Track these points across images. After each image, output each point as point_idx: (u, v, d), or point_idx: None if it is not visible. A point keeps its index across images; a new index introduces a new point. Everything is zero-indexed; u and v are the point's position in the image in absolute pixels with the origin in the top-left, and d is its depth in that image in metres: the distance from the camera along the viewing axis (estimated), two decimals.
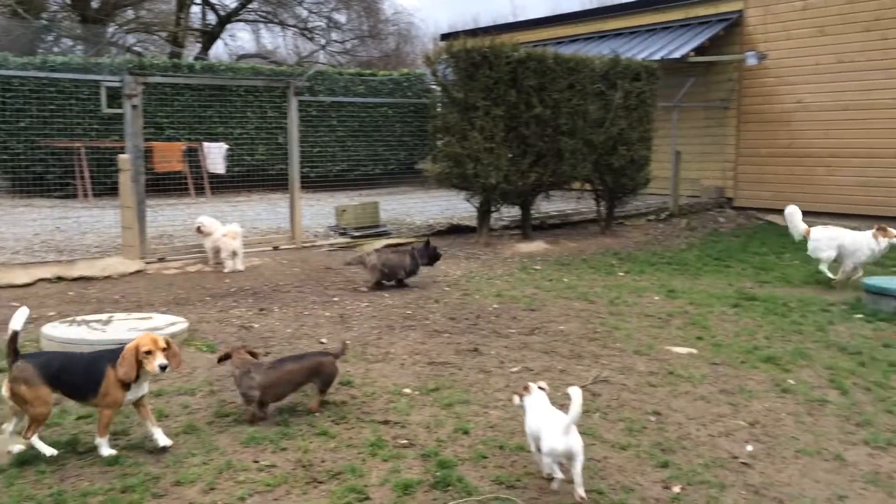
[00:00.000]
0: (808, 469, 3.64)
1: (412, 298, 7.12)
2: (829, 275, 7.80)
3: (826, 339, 5.80)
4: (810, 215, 12.22)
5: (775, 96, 12.62)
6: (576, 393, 3.17)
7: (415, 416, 4.22)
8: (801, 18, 12.12)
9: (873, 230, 7.55)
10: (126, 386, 3.58)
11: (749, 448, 3.86)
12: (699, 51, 12.62)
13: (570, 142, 10.13)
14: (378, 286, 7.40)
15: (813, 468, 3.65)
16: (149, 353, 3.57)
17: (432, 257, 7.64)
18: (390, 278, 7.48)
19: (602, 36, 15.01)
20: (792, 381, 4.85)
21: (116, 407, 3.64)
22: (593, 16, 15.82)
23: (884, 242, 7.47)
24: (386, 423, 4.13)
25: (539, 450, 3.34)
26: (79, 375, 3.62)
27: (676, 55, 12.41)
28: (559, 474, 3.26)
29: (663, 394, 4.64)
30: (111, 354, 3.64)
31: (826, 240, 7.84)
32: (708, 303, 7.00)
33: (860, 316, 6.51)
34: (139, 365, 3.57)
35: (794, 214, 8.26)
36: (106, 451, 3.61)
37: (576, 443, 3.20)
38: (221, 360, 4.30)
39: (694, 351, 5.49)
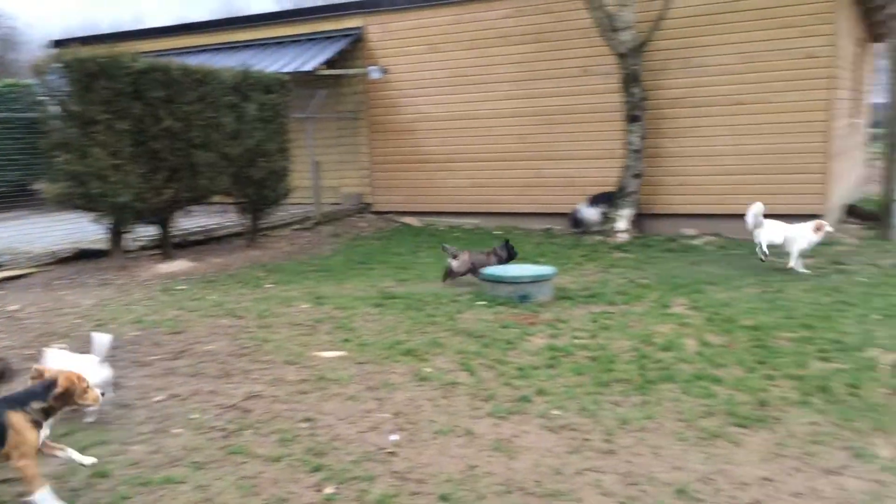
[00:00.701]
0: (444, 447, 4.01)
1: (33, 336, 6.33)
2: (765, 253, 8.71)
3: (456, 327, 6.40)
4: (435, 215, 13.53)
5: (399, 107, 13.63)
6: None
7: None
8: (415, 36, 13.26)
9: (812, 225, 8.55)
10: (38, 425, 3.29)
11: (394, 437, 4.13)
12: (329, 64, 13.12)
13: (205, 155, 9.84)
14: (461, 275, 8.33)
15: (448, 445, 4.03)
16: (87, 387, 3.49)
17: (510, 255, 8.50)
18: (476, 273, 8.17)
19: (232, 47, 14.82)
20: (429, 369, 5.28)
21: (34, 453, 3.27)
22: (222, 27, 15.54)
23: (820, 235, 8.54)
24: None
25: None
26: None
27: (307, 68, 12.75)
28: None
29: (314, 399, 4.74)
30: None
31: (776, 229, 8.72)
32: (353, 305, 7.31)
33: (483, 303, 7.30)
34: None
35: (757, 212, 8.77)
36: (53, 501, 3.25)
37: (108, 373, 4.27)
38: None
39: (342, 353, 5.71)
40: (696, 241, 10.92)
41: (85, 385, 3.47)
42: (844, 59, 11.89)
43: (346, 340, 6.05)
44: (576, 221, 11.78)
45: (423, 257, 10.34)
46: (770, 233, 8.74)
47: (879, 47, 18.91)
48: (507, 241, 8.71)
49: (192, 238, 11.27)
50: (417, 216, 13.67)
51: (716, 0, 10.97)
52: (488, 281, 7.60)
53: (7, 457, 3.23)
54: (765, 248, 8.76)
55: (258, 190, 10.97)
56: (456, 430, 4.21)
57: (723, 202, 11.26)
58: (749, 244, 10.54)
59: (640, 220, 11.55)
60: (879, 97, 18.67)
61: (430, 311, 7.01)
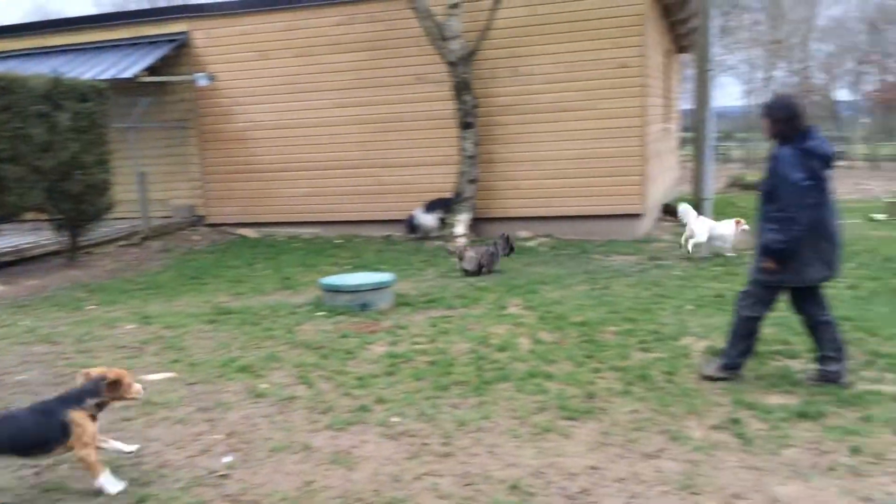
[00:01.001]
0: (280, 464, 3.90)
1: None
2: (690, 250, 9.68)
3: (294, 340, 6.26)
4: (274, 225, 13.23)
5: (230, 116, 13.19)
6: None
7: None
8: (243, 43, 12.88)
9: (733, 222, 9.77)
10: (94, 418, 3.66)
11: (227, 459, 3.97)
12: (151, 70, 12.47)
13: (13, 169, 9.06)
14: (474, 274, 8.89)
15: (284, 462, 3.92)
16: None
17: (510, 248, 9.31)
18: (483, 268, 8.93)
19: (44, 52, 13.74)
20: (265, 385, 5.12)
21: (94, 442, 3.62)
22: (33, 31, 14.36)
23: (741, 226, 9.67)
24: None
25: None
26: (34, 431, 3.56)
27: (126, 75, 12.04)
28: None
29: (140, 425, 4.47)
30: (57, 403, 3.65)
31: (704, 227, 9.71)
32: (184, 323, 6.97)
33: (322, 313, 7.19)
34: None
35: (688, 212, 9.85)
36: (115, 486, 3.62)
37: None
38: None
39: (171, 375, 5.42)
40: (530, 243, 11.35)
41: (130, 380, 3.81)
42: (654, 68, 12.81)
43: (176, 361, 5.75)
44: (412, 227, 11.90)
45: (259, 270, 10.05)
46: (699, 231, 9.67)
47: (686, 57, 20.59)
48: (507, 236, 9.38)
49: (2, 259, 10.33)
50: (255, 227, 13.29)
51: (537, 12, 11.46)
52: (327, 291, 7.50)
53: (70, 448, 3.57)
54: (689, 247, 9.72)
55: (76, 205, 10.24)
56: (293, 446, 4.10)
57: (553, 205, 11.79)
58: (577, 244, 11.14)
59: (477, 223, 11.85)
60: (688, 104, 20.33)
61: (267, 324, 6.82)
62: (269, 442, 4.17)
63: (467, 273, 8.92)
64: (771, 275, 4.70)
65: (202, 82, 12.71)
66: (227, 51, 13.02)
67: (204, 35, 13.12)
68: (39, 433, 3.54)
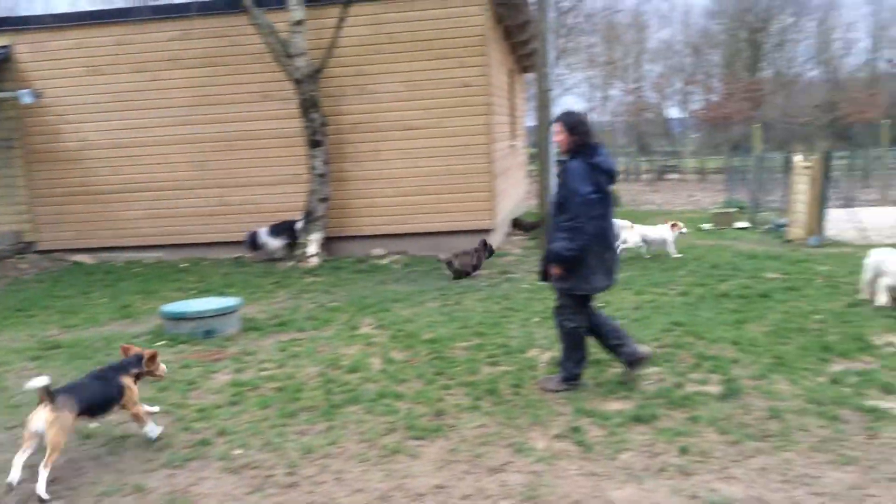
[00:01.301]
0: None
1: None
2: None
3: None
4: (112, 250, 12.48)
5: (61, 134, 12.33)
6: None
7: None
8: (74, 57, 12.08)
9: (668, 224, 10.77)
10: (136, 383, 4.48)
11: None
12: None
13: None
14: (459, 278, 9.65)
15: None
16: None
17: (490, 252, 10.05)
18: (468, 271, 9.71)
19: None
20: (94, 425, 4.75)
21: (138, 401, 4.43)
22: None
23: (677, 230, 10.67)
24: None
25: None
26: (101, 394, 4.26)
27: None
28: None
29: None
30: (108, 372, 4.42)
31: (637, 234, 10.74)
32: (6, 360, 6.40)
33: (163, 343, 6.82)
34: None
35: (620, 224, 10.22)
36: (156, 431, 4.49)
37: None
38: None
39: None
40: (384, 261, 11.33)
41: (159, 359, 4.58)
42: (498, 87, 13.19)
43: None
44: (253, 244, 11.57)
45: (95, 298, 9.42)
46: (631, 239, 10.68)
47: (530, 76, 21.40)
48: (484, 241, 10.02)
49: None
50: (91, 253, 12.46)
51: (381, 31, 11.50)
52: (169, 318, 7.13)
53: (124, 407, 4.34)
54: (642, 249, 10.83)
55: None
56: (123, 489, 3.84)
57: (406, 222, 11.84)
58: (430, 260, 11.24)
59: (330, 242, 11.70)
60: (533, 121, 21.09)
61: (100, 358, 6.37)
62: (96, 486, 3.88)
63: (458, 274, 9.70)
64: (563, 282, 4.94)
65: (27, 99, 11.78)
66: (55, 66, 12.18)
67: (29, 49, 12.21)
68: (105, 394, 4.22)
